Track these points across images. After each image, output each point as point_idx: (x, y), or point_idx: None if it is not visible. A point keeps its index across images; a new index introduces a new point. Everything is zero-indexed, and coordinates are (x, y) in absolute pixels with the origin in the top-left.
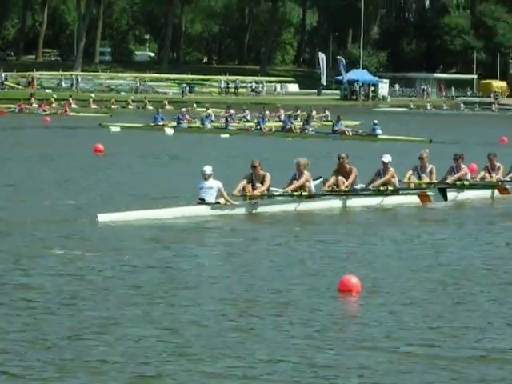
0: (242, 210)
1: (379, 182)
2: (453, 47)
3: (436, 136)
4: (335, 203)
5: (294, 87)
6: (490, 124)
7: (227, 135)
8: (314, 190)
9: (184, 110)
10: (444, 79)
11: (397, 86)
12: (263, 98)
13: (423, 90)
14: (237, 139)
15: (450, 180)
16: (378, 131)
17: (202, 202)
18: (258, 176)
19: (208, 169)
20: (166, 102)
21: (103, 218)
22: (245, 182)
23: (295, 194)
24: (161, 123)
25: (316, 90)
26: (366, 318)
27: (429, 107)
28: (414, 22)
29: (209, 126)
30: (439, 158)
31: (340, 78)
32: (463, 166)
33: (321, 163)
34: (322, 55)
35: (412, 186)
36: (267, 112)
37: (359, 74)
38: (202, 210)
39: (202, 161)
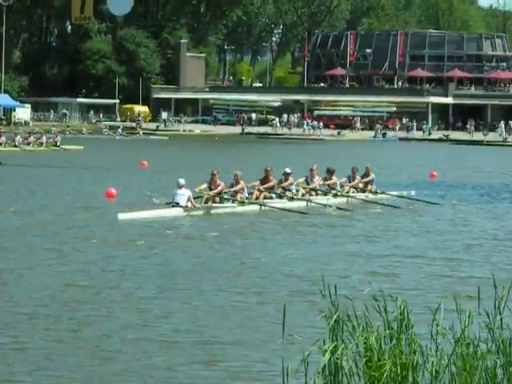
0: (200, 212)
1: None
2: (95, 72)
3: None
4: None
5: None
6: (133, 148)
7: None
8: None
9: None
10: (87, 104)
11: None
12: None
13: (64, 114)
14: None
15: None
16: None
17: (177, 204)
18: (214, 182)
19: (182, 180)
20: None
21: (122, 216)
22: (205, 185)
23: (238, 200)
24: None
25: None
26: None
27: (68, 132)
28: (56, 46)
29: None
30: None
31: None
32: (335, 178)
33: None
34: None
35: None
36: None
37: (0, 99)
38: (178, 211)
39: None
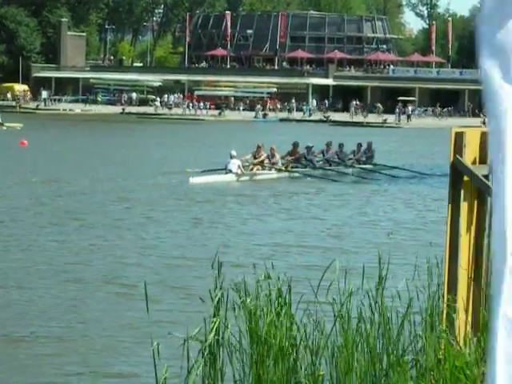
0: (247, 177)
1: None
2: None
3: None
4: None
5: None
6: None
7: None
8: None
9: None
10: None
11: None
12: None
13: None
14: None
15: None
16: None
17: (230, 171)
18: (259, 153)
19: (234, 152)
20: None
21: (193, 180)
22: (250, 155)
23: (278, 168)
24: None
25: None
26: None
27: None
28: None
29: None
30: None
31: None
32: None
33: None
34: None
35: None
36: None
37: None
38: (232, 177)
39: None
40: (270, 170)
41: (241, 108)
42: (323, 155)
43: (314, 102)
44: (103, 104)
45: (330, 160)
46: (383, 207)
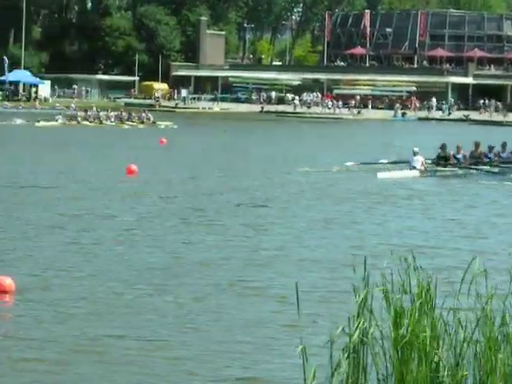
0: (429, 173)
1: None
2: (114, 48)
3: None
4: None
5: None
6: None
7: None
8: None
9: None
10: (106, 80)
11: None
12: None
13: (87, 91)
14: None
15: None
16: None
17: (414, 168)
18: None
19: (416, 149)
20: None
21: (381, 175)
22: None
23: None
24: None
25: None
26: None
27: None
28: (76, 23)
29: None
30: None
31: (3, 78)
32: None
33: None
34: None
35: None
36: None
37: (21, 75)
38: (416, 172)
39: None
40: (454, 167)
41: (369, 106)
42: (499, 155)
43: (434, 100)
44: (249, 103)
45: (506, 160)
46: None
